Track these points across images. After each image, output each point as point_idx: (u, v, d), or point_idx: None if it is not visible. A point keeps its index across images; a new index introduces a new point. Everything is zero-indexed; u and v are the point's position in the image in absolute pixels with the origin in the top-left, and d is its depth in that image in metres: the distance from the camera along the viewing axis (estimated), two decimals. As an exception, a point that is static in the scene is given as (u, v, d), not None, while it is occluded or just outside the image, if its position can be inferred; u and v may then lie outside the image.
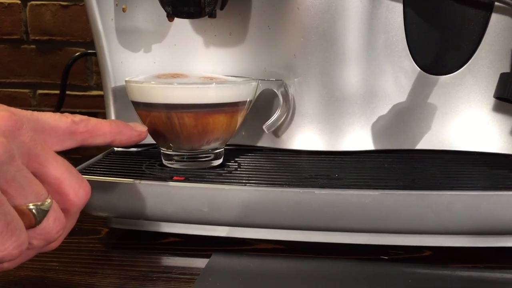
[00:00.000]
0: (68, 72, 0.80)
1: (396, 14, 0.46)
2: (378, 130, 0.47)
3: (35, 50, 0.91)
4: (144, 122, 0.44)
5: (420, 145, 0.48)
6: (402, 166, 0.44)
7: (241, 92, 0.43)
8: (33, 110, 0.85)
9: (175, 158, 0.44)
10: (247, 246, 0.41)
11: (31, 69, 0.91)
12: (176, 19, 0.45)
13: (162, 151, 0.45)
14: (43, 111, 0.71)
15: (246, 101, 0.44)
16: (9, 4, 0.89)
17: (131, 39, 0.48)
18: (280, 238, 0.41)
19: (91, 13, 0.45)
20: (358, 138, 0.47)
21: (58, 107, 0.80)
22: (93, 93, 0.90)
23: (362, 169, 0.43)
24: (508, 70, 0.45)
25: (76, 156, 0.77)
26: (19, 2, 0.89)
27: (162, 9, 0.45)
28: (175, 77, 0.44)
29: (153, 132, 0.44)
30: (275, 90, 0.46)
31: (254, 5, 0.47)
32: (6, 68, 0.91)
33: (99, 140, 0.34)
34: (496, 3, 0.45)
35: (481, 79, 0.46)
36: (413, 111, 0.48)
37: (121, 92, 0.47)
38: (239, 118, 0.44)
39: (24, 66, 0.91)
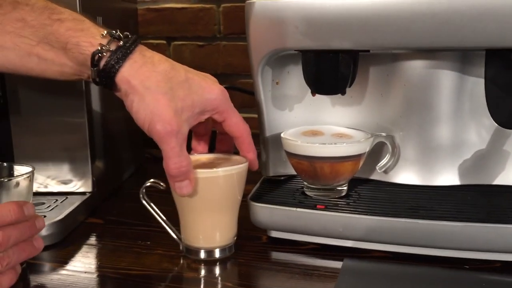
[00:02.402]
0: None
1: (479, 86, 0.62)
2: (463, 170, 0.64)
3: (177, 80, 1.14)
4: (292, 164, 0.64)
5: (496, 182, 0.64)
6: (481, 199, 0.61)
7: (362, 146, 0.61)
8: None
9: (314, 189, 0.64)
10: (367, 253, 0.60)
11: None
12: (315, 92, 0.64)
13: (305, 183, 0.65)
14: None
15: (366, 152, 0.62)
16: (157, 44, 1.13)
17: (280, 102, 0.68)
18: (391, 250, 0.59)
19: (257, 87, 0.65)
20: (447, 176, 0.64)
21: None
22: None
23: (451, 202, 0.60)
24: None
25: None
26: (165, 42, 1.12)
27: (302, 81, 0.64)
28: (314, 134, 0.64)
29: (299, 171, 0.64)
30: (386, 142, 0.64)
31: (371, 80, 0.65)
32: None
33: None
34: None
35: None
36: (491, 156, 0.64)
37: (273, 139, 0.67)
38: (361, 163, 0.62)
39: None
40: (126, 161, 0.94)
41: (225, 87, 1.07)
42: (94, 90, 0.76)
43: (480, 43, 0.54)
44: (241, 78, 1.08)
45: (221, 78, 1.10)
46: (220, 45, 1.08)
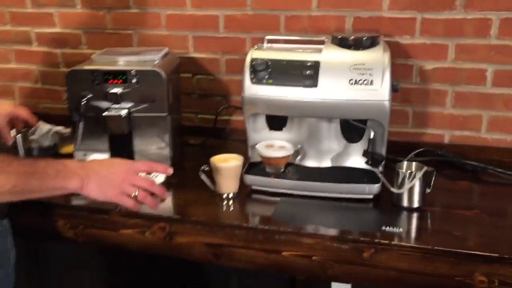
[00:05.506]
0: (218, 115, 1.89)
1: (338, 125, 1.49)
2: (331, 159, 1.53)
3: (197, 98, 1.98)
4: (261, 158, 1.52)
5: (344, 164, 1.53)
6: (335, 172, 1.50)
7: (289, 152, 1.49)
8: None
9: (269, 168, 1.52)
10: (293, 195, 1.49)
11: (196, 105, 1.98)
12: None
13: (267, 167, 1.53)
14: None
15: (291, 154, 1.50)
16: (186, 77, 1.95)
17: (257, 128, 1.55)
18: (303, 194, 1.48)
19: (246, 127, 1.51)
20: (325, 162, 1.53)
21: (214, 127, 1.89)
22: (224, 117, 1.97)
23: (324, 173, 1.49)
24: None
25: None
26: (190, 75, 1.95)
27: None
28: (270, 146, 1.51)
29: (263, 162, 1.53)
30: (299, 150, 1.52)
31: (294, 124, 1.52)
32: (186, 103, 1.98)
33: None
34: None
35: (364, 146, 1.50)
36: (343, 153, 1.53)
37: (253, 146, 1.54)
38: (289, 158, 1.51)
39: (193, 103, 1.98)
40: (175, 149, 1.79)
41: (227, 106, 1.93)
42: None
43: (335, 116, 1.42)
44: (238, 99, 1.92)
45: (227, 98, 1.96)
46: (224, 79, 1.92)
